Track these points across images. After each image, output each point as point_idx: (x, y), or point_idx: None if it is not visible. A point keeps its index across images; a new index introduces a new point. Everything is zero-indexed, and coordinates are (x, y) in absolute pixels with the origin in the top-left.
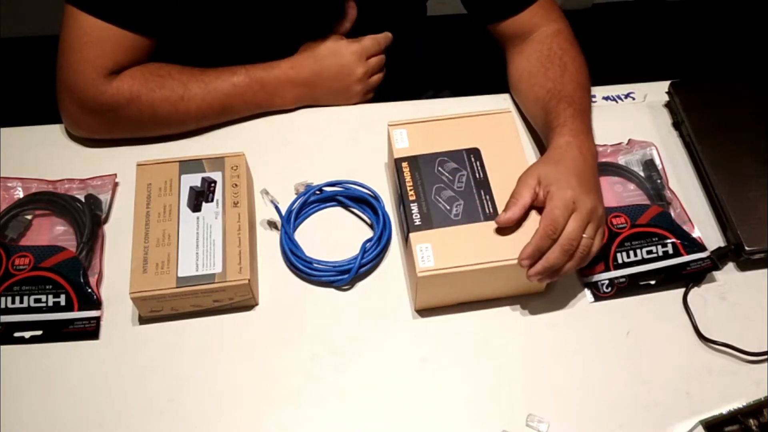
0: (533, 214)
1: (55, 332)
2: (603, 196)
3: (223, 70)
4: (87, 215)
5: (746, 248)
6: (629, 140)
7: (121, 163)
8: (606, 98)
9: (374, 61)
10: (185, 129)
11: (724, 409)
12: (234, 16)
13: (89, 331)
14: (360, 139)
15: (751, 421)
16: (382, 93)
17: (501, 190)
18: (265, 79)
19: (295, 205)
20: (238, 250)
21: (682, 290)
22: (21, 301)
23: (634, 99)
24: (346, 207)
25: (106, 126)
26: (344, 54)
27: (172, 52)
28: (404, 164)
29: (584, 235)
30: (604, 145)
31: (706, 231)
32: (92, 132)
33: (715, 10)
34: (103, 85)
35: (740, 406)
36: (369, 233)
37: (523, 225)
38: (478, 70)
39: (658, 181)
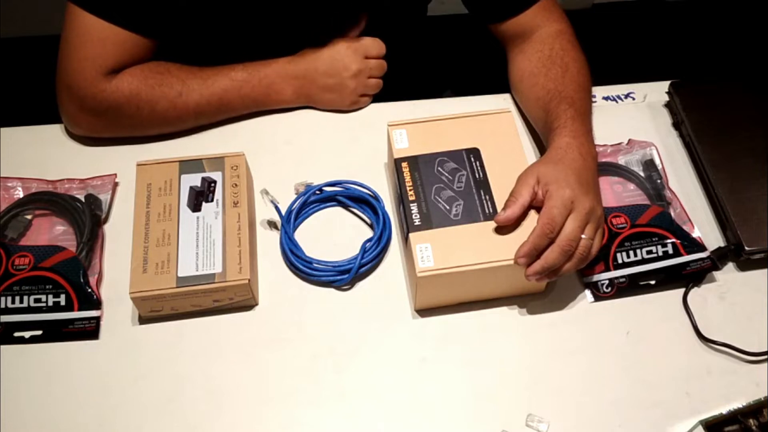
0: (532, 213)
1: (55, 332)
2: (603, 196)
3: (221, 67)
4: (87, 215)
5: (746, 248)
6: (629, 140)
7: (121, 163)
8: (606, 98)
9: (373, 63)
10: (184, 127)
11: (724, 409)
12: (237, 19)
13: (89, 331)
14: (360, 139)
15: (751, 421)
16: (382, 93)
17: (501, 190)
18: (262, 73)
19: (295, 205)
20: (238, 250)
21: (682, 290)
22: (21, 301)
23: (634, 99)
24: (346, 207)
25: (105, 124)
26: (339, 49)
27: (175, 52)
28: (404, 164)
29: (583, 236)
30: (604, 145)
31: (706, 231)
32: (91, 130)
33: (715, 10)
34: (103, 83)
35: (740, 406)
36: (369, 233)
37: (522, 225)
38: (478, 70)
39: (658, 181)
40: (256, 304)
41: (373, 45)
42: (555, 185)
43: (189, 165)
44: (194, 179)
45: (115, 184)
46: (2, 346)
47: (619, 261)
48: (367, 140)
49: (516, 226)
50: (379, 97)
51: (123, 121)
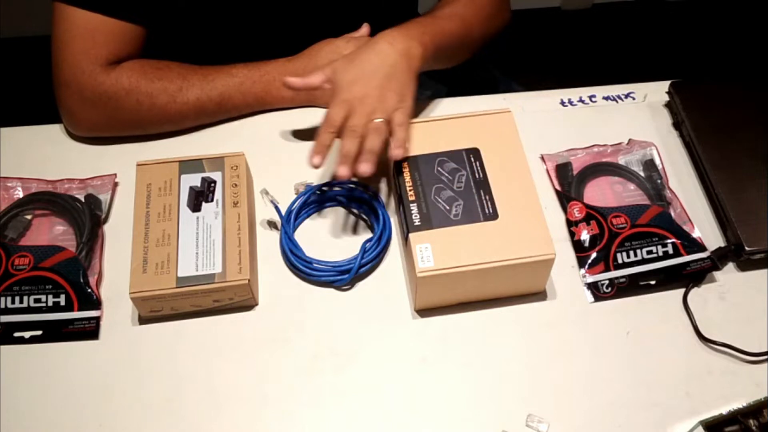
0: (535, 210)
1: (55, 332)
2: (603, 196)
3: (222, 66)
4: (87, 215)
5: (746, 248)
6: (629, 140)
7: (121, 163)
8: (606, 98)
9: None
10: (185, 125)
11: (724, 410)
12: (232, 14)
13: (89, 331)
14: None
15: (751, 421)
16: None
17: (501, 190)
18: (262, 70)
19: (295, 205)
20: (237, 250)
21: (682, 290)
22: (21, 301)
23: (634, 99)
24: (346, 207)
25: (105, 120)
26: (338, 43)
27: (174, 51)
28: (404, 164)
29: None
30: (604, 145)
31: (706, 231)
32: (91, 128)
33: (715, 10)
34: (101, 75)
35: (740, 406)
36: (369, 233)
37: (523, 224)
38: (477, 69)
39: (658, 181)
40: (256, 304)
41: None
42: None
43: (189, 165)
44: (194, 179)
45: (115, 184)
46: (2, 346)
47: (619, 261)
48: None
49: (517, 226)
50: None
51: (123, 115)
